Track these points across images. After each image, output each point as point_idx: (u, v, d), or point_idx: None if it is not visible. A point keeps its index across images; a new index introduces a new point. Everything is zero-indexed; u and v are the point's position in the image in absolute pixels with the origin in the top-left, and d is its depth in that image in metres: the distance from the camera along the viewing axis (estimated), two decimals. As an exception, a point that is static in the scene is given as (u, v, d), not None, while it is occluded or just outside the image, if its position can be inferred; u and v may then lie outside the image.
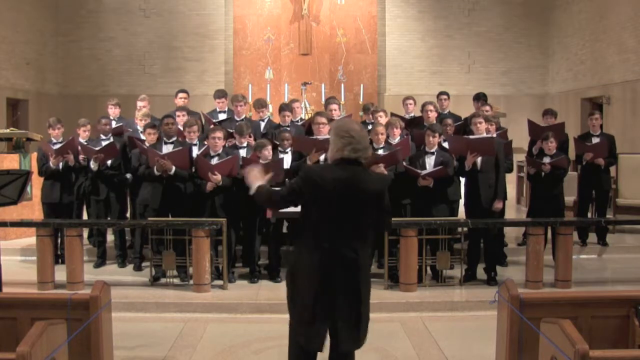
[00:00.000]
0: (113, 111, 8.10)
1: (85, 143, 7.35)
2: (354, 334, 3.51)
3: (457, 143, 6.87)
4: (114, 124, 7.79)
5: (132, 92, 12.41)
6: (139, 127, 7.71)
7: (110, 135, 7.49)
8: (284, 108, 7.68)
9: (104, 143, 7.30)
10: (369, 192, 3.50)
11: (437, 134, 6.70)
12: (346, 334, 3.48)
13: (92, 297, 3.81)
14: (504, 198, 7.00)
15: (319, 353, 3.59)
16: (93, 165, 7.12)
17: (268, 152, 6.67)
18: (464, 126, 7.98)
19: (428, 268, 6.75)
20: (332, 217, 3.45)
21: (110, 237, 7.61)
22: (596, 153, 7.88)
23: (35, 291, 6.19)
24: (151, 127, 7.00)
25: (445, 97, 8.62)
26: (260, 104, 8.04)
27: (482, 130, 6.81)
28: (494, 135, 7.06)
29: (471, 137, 6.86)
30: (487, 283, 6.70)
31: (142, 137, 7.31)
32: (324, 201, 3.45)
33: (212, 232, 6.43)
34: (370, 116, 8.01)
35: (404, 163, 6.71)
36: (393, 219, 6.38)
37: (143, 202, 6.85)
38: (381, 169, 6.37)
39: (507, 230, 7.75)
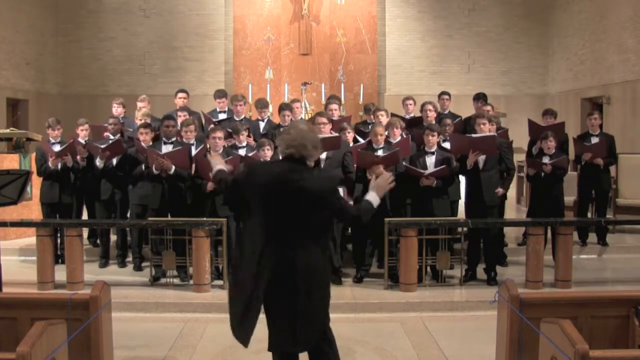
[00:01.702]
0: (116, 110, 8.12)
1: (90, 142, 7.33)
2: (287, 336, 3.43)
3: (459, 142, 6.86)
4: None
5: (132, 92, 12.42)
6: (138, 127, 7.71)
7: (118, 134, 7.49)
8: (284, 107, 7.67)
9: (112, 143, 7.29)
10: (305, 189, 3.45)
11: (435, 133, 6.71)
12: (277, 336, 3.44)
13: (92, 297, 3.81)
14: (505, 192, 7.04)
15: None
16: (99, 163, 7.10)
17: (268, 151, 6.67)
18: (464, 124, 7.98)
19: (428, 268, 6.75)
20: (268, 212, 3.46)
21: (113, 237, 7.60)
22: (595, 153, 7.87)
23: (35, 291, 6.19)
24: (144, 127, 6.99)
25: (446, 97, 8.62)
26: (262, 104, 8.04)
27: (486, 131, 6.80)
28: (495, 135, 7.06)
29: (473, 135, 6.86)
30: (487, 283, 6.70)
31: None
32: (257, 194, 3.49)
33: (212, 232, 6.43)
34: (372, 116, 8.01)
35: (404, 163, 6.71)
36: (393, 219, 6.45)
37: (140, 202, 6.85)
38: (381, 169, 6.36)
39: (507, 230, 7.74)
